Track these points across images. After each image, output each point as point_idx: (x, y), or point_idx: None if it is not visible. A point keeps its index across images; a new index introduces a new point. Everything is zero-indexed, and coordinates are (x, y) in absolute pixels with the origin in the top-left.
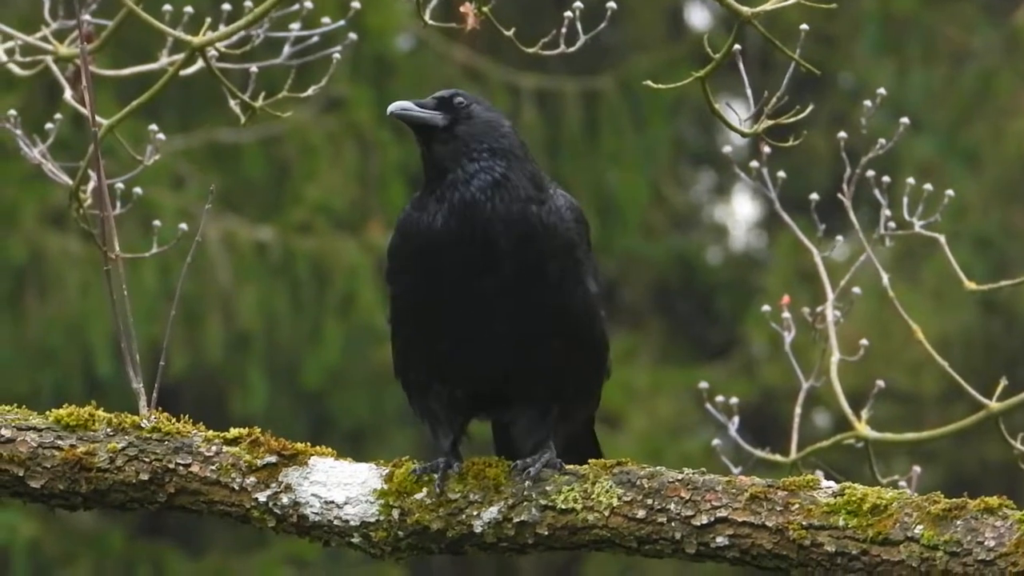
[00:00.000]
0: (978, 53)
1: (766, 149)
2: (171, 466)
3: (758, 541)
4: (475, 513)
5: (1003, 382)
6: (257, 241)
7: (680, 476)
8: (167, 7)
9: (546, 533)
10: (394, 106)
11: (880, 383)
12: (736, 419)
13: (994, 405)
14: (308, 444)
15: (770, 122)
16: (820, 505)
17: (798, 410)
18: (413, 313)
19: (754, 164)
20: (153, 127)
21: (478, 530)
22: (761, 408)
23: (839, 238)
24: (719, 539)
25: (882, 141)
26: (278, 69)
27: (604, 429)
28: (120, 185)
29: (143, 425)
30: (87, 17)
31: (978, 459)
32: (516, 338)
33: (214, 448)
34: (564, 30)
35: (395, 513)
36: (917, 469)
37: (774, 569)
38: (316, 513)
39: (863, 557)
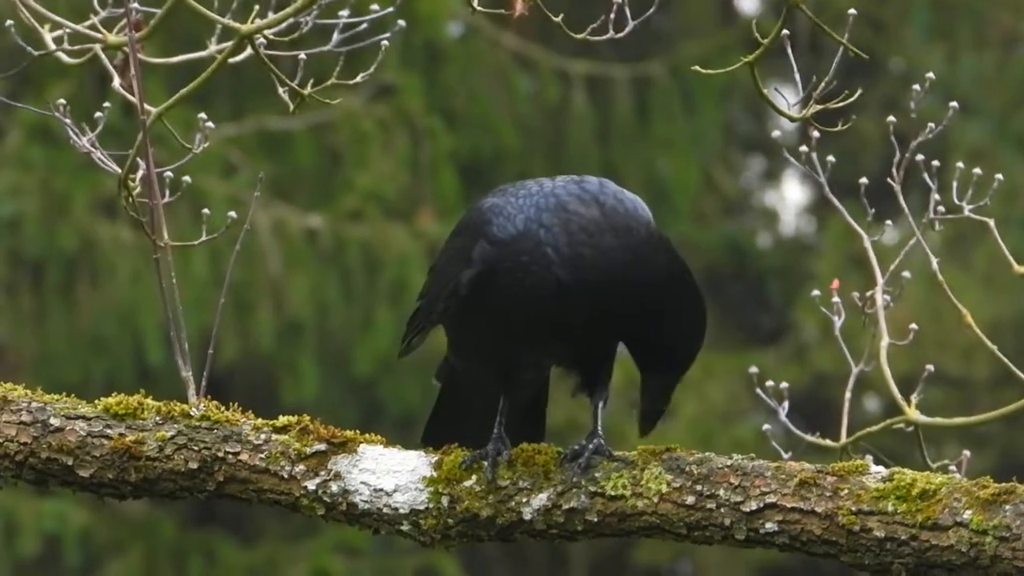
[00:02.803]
0: None
1: (815, 134)
2: (220, 454)
3: (807, 527)
4: (524, 500)
5: None
6: (307, 229)
7: (729, 462)
8: None
9: (595, 520)
10: None
11: (930, 367)
12: (786, 404)
13: None
14: (357, 432)
15: (819, 107)
16: (869, 490)
17: (848, 395)
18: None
19: (803, 149)
20: (202, 115)
21: (528, 517)
22: (812, 393)
23: (888, 223)
24: (768, 525)
25: (931, 125)
26: (327, 56)
27: None
28: (169, 173)
29: (192, 413)
30: (135, 5)
31: None
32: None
33: (263, 436)
34: (613, 16)
35: (444, 500)
36: (967, 453)
37: (823, 555)
38: (365, 501)
39: (912, 542)
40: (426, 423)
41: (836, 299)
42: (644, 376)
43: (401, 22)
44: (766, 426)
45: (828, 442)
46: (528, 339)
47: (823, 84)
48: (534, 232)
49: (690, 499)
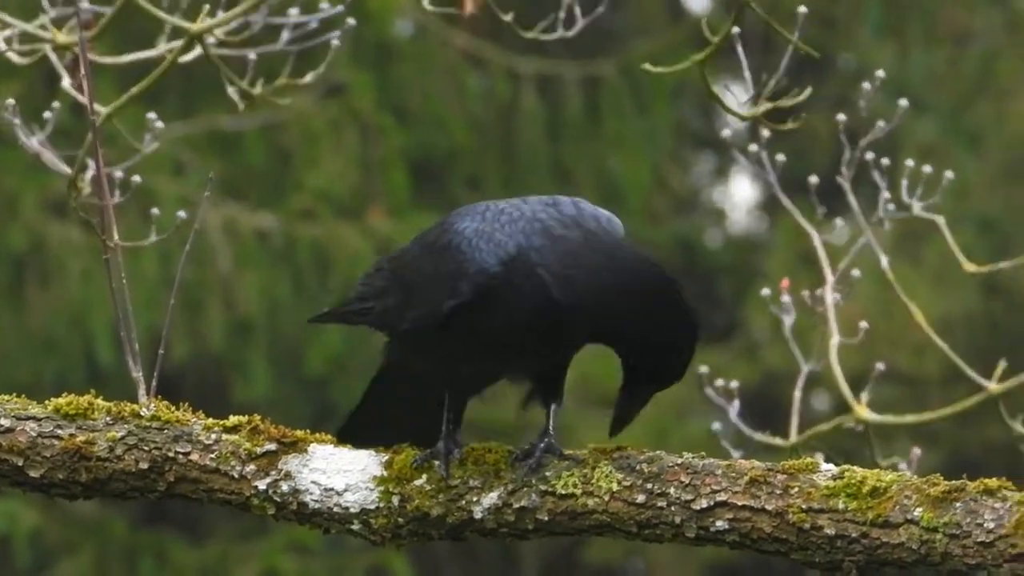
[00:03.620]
0: (980, 34)
1: (765, 132)
2: (171, 454)
3: (758, 525)
4: (475, 499)
5: (1003, 363)
6: (258, 228)
7: (680, 460)
8: None
9: (546, 519)
10: None
11: (880, 365)
12: (736, 403)
13: (994, 387)
14: (308, 431)
15: (769, 105)
16: (820, 488)
17: (798, 393)
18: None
19: (753, 147)
20: (152, 115)
21: (478, 516)
22: (763, 391)
23: (838, 221)
24: (719, 523)
25: (882, 123)
26: (278, 55)
27: (607, 413)
28: (119, 173)
29: (143, 414)
30: (85, 4)
31: (980, 441)
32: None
33: (213, 436)
34: (563, 14)
35: (395, 500)
36: (917, 451)
37: (774, 553)
38: (316, 500)
39: (863, 540)
40: (348, 417)
41: (786, 297)
42: (629, 384)
43: (351, 20)
44: (716, 425)
45: (779, 440)
46: (498, 359)
47: (773, 82)
48: (527, 256)
49: (640, 497)
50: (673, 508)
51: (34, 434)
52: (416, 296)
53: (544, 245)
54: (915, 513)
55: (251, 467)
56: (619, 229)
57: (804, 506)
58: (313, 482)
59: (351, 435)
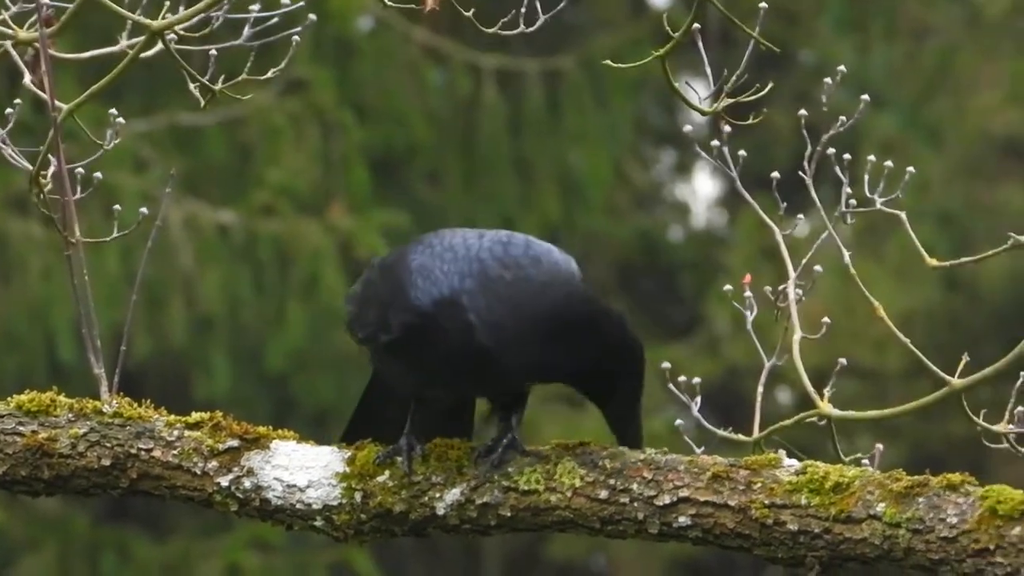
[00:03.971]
0: (939, 29)
1: (726, 127)
2: (133, 451)
3: (720, 520)
4: (438, 495)
5: (965, 359)
6: (219, 224)
7: (642, 456)
8: None
9: (509, 515)
10: None
11: (842, 361)
12: (699, 399)
13: (957, 382)
14: (270, 428)
15: (730, 100)
16: (782, 484)
17: (760, 389)
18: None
19: (715, 143)
20: (113, 111)
21: (441, 512)
22: (725, 386)
23: (800, 216)
24: (681, 519)
25: (843, 118)
26: (239, 51)
27: (568, 409)
28: (81, 169)
29: (105, 410)
30: (46, 0)
31: (942, 435)
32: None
33: (176, 433)
34: (524, 10)
35: (358, 496)
36: (880, 447)
37: (737, 548)
38: (279, 497)
39: (826, 535)
40: (347, 423)
41: (748, 293)
42: (601, 410)
43: (312, 16)
44: (678, 421)
45: (741, 437)
46: (440, 387)
47: (734, 77)
48: (457, 299)
49: (603, 493)
50: (636, 504)
51: None
52: (367, 314)
53: (477, 287)
54: (878, 508)
55: (213, 463)
56: (567, 269)
57: (767, 502)
58: (276, 478)
59: (353, 439)
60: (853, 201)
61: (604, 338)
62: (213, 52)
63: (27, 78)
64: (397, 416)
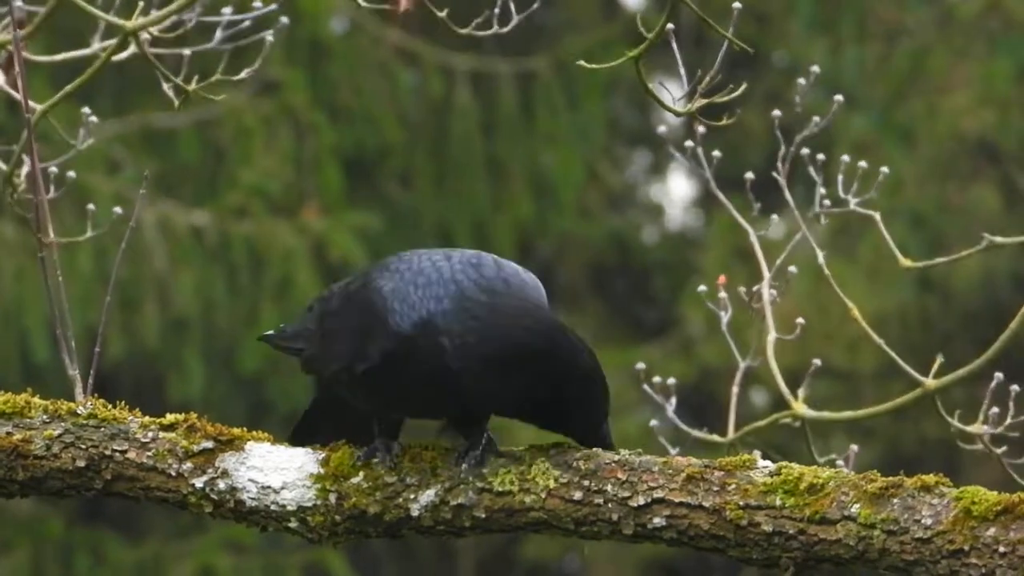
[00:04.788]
0: (912, 30)
1: (700, 128)
2: (107, 452)
3: (695, 521)
4: (412, 496)
5: (939, 359)
6: (193, 225)
7: (616, 457)
8: None
9: (483, 516)
10: None
11: (816, 362)
12: (673, 400)
13: (930, 382)
14: (245, 429)
15: (704, 101)
16: (757, 485)
17: (735, 390)
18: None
19: (689, 143)
20: (86, 110)
21: (415, 514)
22: (699, 387)
23: (774, 217)
24: (656, 520)
25: (816, 119)
26: (212, 53)
27: None
28: (54, 170)
29: (79, 412)
30: (19, 3)
31: (916, 436)
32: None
33: (150, 434)
34: (497, 11)
35: (332, 497)
36: (854, 448)
37: (711, 549)
38: (253, 498)
39: (800, 536)
40: (297, 422)
41: (723, 294)
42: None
43: (284, 18)
44: (653, 422)
45: (716, 437)
46: (411, 410)
47: (708, 78)
48: (434, 324)
49: (577, 494)
50: (610, 505)
51: None
52: (335, 347)
53: (452, 310)
54: (852, 510)
55: (188, 465)
56: (536, 296)
57: (741, 503)
58: (250, 480)
59: (301, 440)
60: (827, 202)
61: (571, 367)
62: (186, 53)
63: (0, 79)
64: (354, 421)
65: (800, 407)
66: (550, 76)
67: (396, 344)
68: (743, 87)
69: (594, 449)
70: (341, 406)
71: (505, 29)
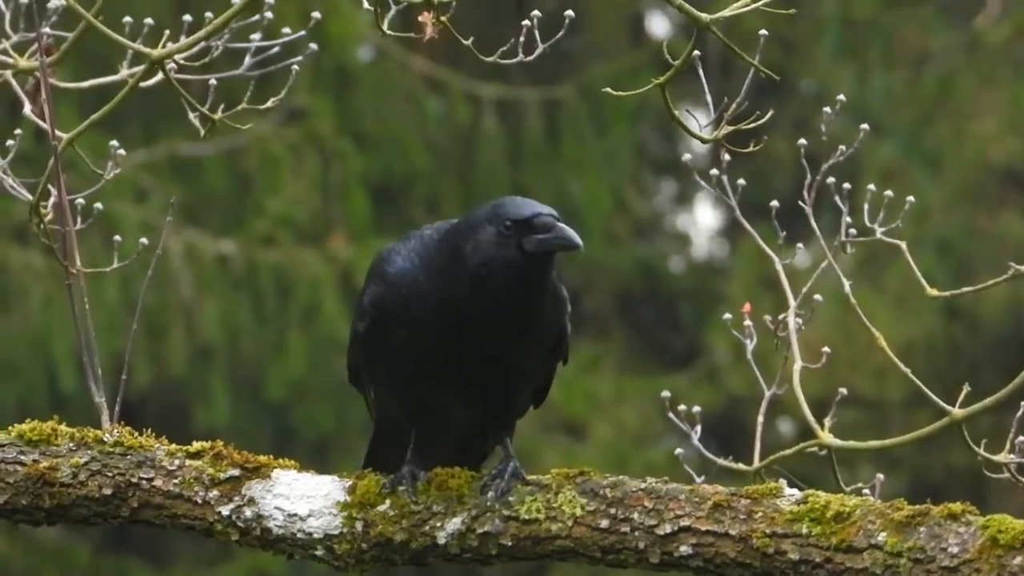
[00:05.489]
0: (938, 56)
1: (726, 156)
2: (134, 480)
3: (721, 550)
4: (438, 524)
5: (965, 388)
6: (219, 254)
7: (643, 485)
8: (127, 19)
9: (509, 544)
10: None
11: (843, 390)
12: (699, 428)
13: (957, 411)
14: (271, 457)
15: (730, 128)
16: (783, 513)
17: (761, 418)
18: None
19: (714, 172)
20: (113, 142)
21: (441, 541)
22: (726, 415)
23: (799, 246)
24: (683, 548)
25: (843, 147)
26: (238, 81)
27: (569, 438)
28: (81, 199)
29: (106, 439)
30: (47, 30)
31: (943, 465)
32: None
33: (177, 462)
34: (523, 38)
35: (358, 525)
36: (880, 476)
37: None
38: (279, 526)
39: (827, 565)
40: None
41: (748, 322)
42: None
43: (312, 46)
44: (679, 450)
45: (741, 466)
46: (424, 370)
47: (734, 105)
48: (410, 268)
49: (604, 522)
50: (637, 533)
51: None
52: (353, 322)
53: (419, 260)
54: (879, 538)
55: (214, 493)
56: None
57: (768, 531)
58: (277, 507)
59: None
60: (853, 230)
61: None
62: (213, 81)
63: (27, 108)
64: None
65: (826, 436)
66: (576, 103)
67: (385, 286)
68: (769, 114)
69: (621, 477)
70: (397, 431)
71: (531, 57)
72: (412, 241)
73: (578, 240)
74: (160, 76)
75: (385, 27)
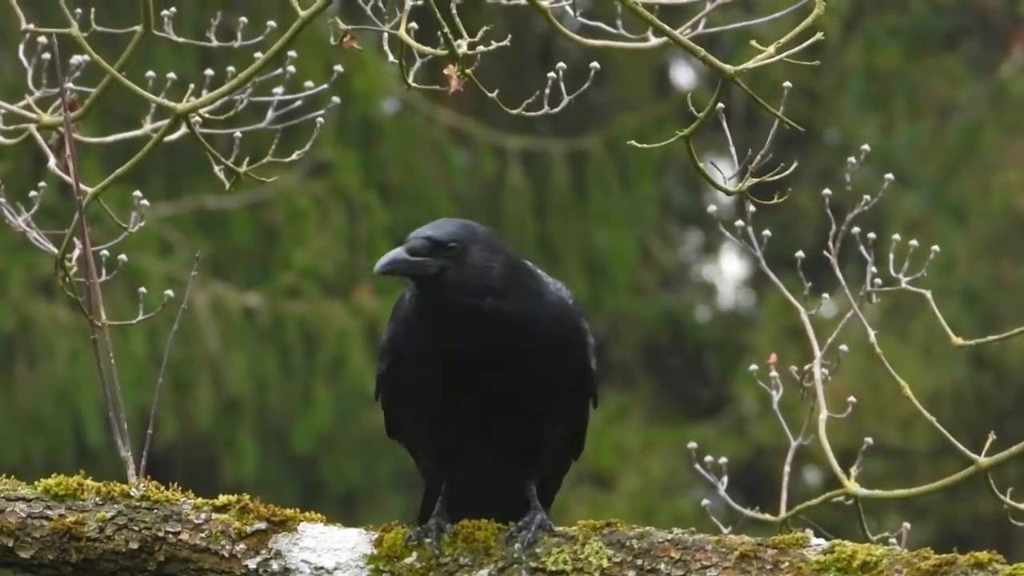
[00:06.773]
0: (963, 107)
1: (751, 207)
2: (160, 534)
3: None
4: None
5: (991, 437)
6: (245, 307)
7: (670, 536)
8: (150, 73)
9: None
10: (380, 265)
11: (869, 440)
12: (725, 479)
13: (983, 460)
14: (298, 510)
15: (755, 180)
16: (810, 563)
17: (787, 468)
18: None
19: (739, 223)
20: (137, 194)
21: None
22: (752, 465)
23: (825, 296)
24: None
25: (867, 197)
26: (263, 134)
27: (596, 489)
28: (105, 252)
29: (132, 494)
30: (70, 85)
31: (970, 514)
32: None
33: (203, 515)
34: (548, 90)
35: None
36: (907, 525)
37: None
38: None
39: None
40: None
41: (774, 372)
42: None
43: (336, 99)
44: (705, 501)
45: (768, 516)
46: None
47: (759, 157)
48: (410, 307)
49: (631, 574)
50: None
51: (24, 515)
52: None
53: (417, 297)
54: None
55: (241, 546)
56: None
57: None
58: (303, 560)
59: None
60: (878, 280)
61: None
62: (238, 135)
63: (52, 162)
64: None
65: (853, 485)
66: (602, 155)
67: (396, 325)
68: (794, 166)
69: (647, 528)
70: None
71: (556, 109)
72: None
73: (378, 264)
74: (184, 130)
75: (411, 80)
